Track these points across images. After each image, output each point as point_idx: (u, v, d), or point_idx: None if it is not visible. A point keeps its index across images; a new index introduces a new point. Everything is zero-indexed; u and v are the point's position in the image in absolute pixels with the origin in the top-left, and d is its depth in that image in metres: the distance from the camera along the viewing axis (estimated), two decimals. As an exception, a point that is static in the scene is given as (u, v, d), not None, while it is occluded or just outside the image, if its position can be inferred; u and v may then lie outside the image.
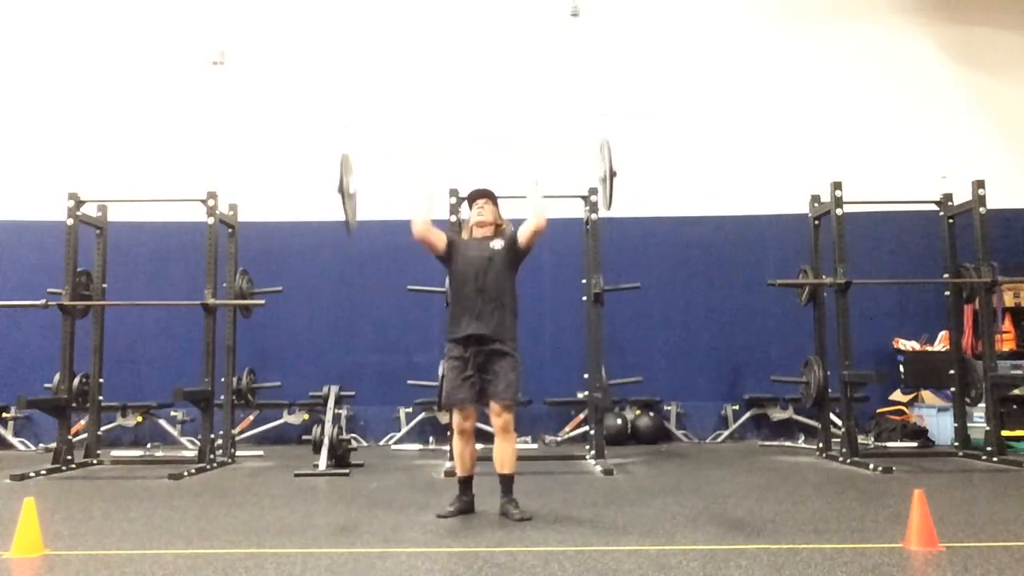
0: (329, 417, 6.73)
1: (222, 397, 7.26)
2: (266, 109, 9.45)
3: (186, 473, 6.22)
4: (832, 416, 7.52)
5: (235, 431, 7.78)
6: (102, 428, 7.78)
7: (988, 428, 6.70)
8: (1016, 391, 7.40)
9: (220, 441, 7.20)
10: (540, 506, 4.64)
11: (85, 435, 7.33)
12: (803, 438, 8.49)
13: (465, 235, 4.82)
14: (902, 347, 8.88)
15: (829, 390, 7.04)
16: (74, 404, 6.96)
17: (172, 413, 8.74)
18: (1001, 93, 9.55)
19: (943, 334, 8.55)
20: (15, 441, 8.74)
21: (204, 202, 6.96)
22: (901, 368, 8.70)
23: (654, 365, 8.90)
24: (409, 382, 8.22)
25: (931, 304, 8.65)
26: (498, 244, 4.59)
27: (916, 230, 8.93)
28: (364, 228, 9.10)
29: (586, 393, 7.15)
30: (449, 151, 8.83)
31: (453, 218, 6.67)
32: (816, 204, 7.32)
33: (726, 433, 8.86)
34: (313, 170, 8.23)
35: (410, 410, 8.77)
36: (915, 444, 7.85)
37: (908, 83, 9.50)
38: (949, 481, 5.73)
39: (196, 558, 3.49)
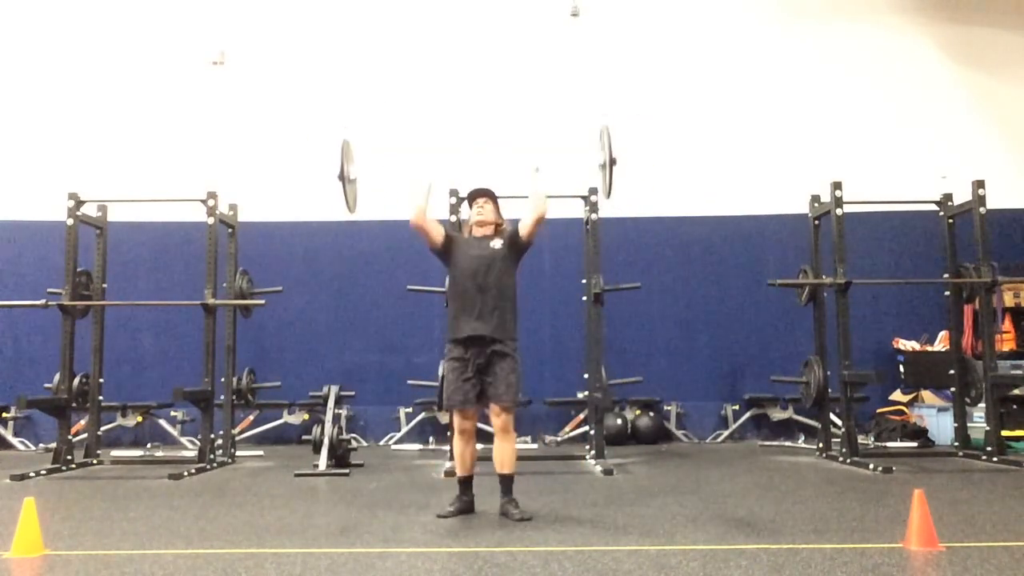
0: (329, 417, 6.73)
1: (222, 397, 7.26)
2: (266, 109, 9.45)
3: (186, 473, 6.22)
4: (832, 416, 7.52)
5: (235, 431, 7.78)
6: (102, 428, 7.77)
7: (988, 428, 6.70)
8: (1016, 391, 7.41)
9: (220, 441, 7.20)
10: (540, 506, 4.65)
11: (85, 435, 7.33)
12: (803, 438, 8.49)
13: (465, 234, 4.81)
14: (902, 347, 8.88)
15: (829, 390, 7.05)
16: (74, 404, 6.96)
17: (172, 413, 8.74)
18: (1001, 93, 9.55)
19: (943, 334, 8.55)
20: (15, 441, 8.74)
21: (204, 202, 6.96)
22: (901, 368, 8.70)
23: (654, 365, 8.90)
24: (409, 382, 8.22)
25: (931, 304, 8.65)
26: (498, 243, 4.59)
27: (916, 230, 8.94)
28: (364, 228, 9.22)
29: (586, 393, 7.15)
30: (449, 151, 8.81)
31: (453, 218, 6.66)
32: (816, 204, 7.32)
33: (726, 433, 8.86)
34: (313, 170, 8.22)
35: (410, 410, 8.77)
36: (915, 444, 7.84)
37: (908, 83, 9.50)
38: (949, 481, 5.73)
39: (196, 558, 3.49)
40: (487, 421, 4.68)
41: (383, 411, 8.90)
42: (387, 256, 9.18)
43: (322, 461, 6.38)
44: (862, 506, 4.66)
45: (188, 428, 8.68)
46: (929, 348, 8.78)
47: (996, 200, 7.14)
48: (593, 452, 6.84)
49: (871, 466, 6.20)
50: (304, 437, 7.24)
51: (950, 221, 7.25)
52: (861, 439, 7.41)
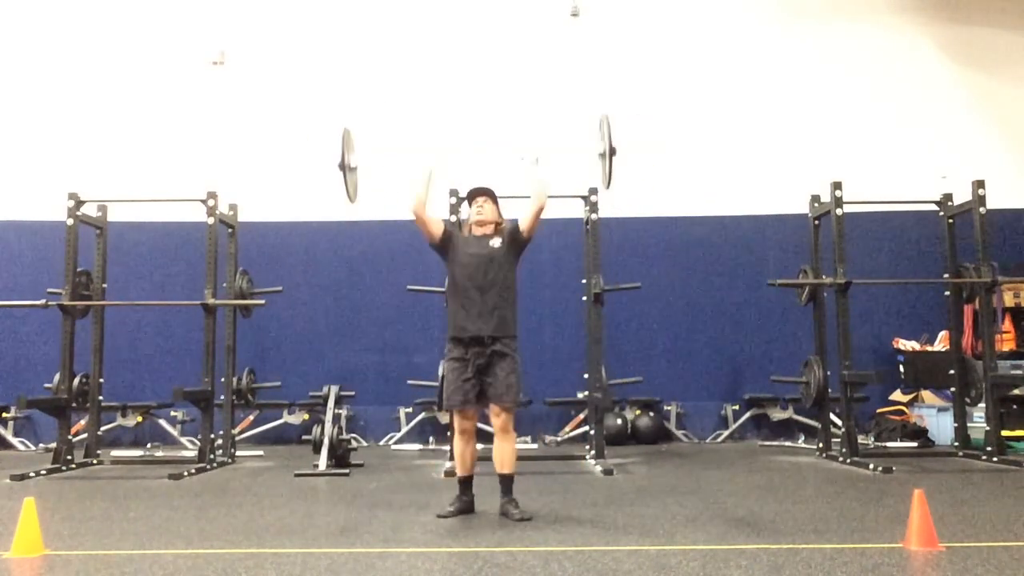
0: (329, 417, 6.73)
1: (222, 397, 7.26)
2: (266, 109, 9.45)
3: (186, 473, 6.22)
4: (832, 416, 7.52)
5: (235, 431, 7.78)
6: (102, 428, 7.78)
7: (988, 428, 6.70)
8: (1016, 391, 7.41)
9: (220, 441, 7.20)
10: (540, 506, 4.65)
11: (85, 435, 7.33)
12: (803, 438, 8.49)
13: (465, 233, 4.79)
14: (902, 347, 8.88)
15: (829, 390, 7.04)
16: (74, 404, 6.96)
17: (172, 413, 8.74)
18: (1001, 93, 9.55)
19: (943, 334, 8.55)
20: (15, 441, 8.74)
21: (204, 202, 6.96)
22: (901, 368, 8.69)
23: (654, 365, 8.90)
24: (409, 382, 8.22)
25: (931, 304, 8.66)
26: (497, 242, 4.58)
27: (916, 230, 8.94)
28: (364, 228, 9.23)
29: (586, 393, 7.15)
30: (449, 151, 8.79)
31: (453, 218, 6.67)
32: (816, 204, 7.32)
33: (726, 433, 8.86)
34: (313, 170, 8.22)
35: (410, 410, 8.77)
36: (915, 444, 7.84)
37: (908, 83, 9.50)
38: (949, 481, 5.72)
39: (196, 558, 3.49)
40: (487, 421, 4.68)
41: (383, 411, 8.90)
42: (387, 256, 9.18)
43: (322, 461, 6.38)
44: (862, 506, 4.66)
45: (188, 428, 8.68)
46: (929, 348, 8.78)
47: (996, 200, 7.13)
48: (593, 452, 6.84)
49: (871, 466, 6.20)
50: (304, 437, 7.24)
51: (950, 221, 7.25)
52: (861, 439, 7.41)
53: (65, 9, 9.61)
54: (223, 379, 7.24)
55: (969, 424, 7.19)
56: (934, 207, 7.40)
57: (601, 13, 9.61)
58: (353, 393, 7.84)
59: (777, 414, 8.80)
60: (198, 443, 7.22)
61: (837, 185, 6.92)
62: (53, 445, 6.96)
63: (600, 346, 6.94)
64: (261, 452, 7.92)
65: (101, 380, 7.15)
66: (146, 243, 9.05)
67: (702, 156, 9.33)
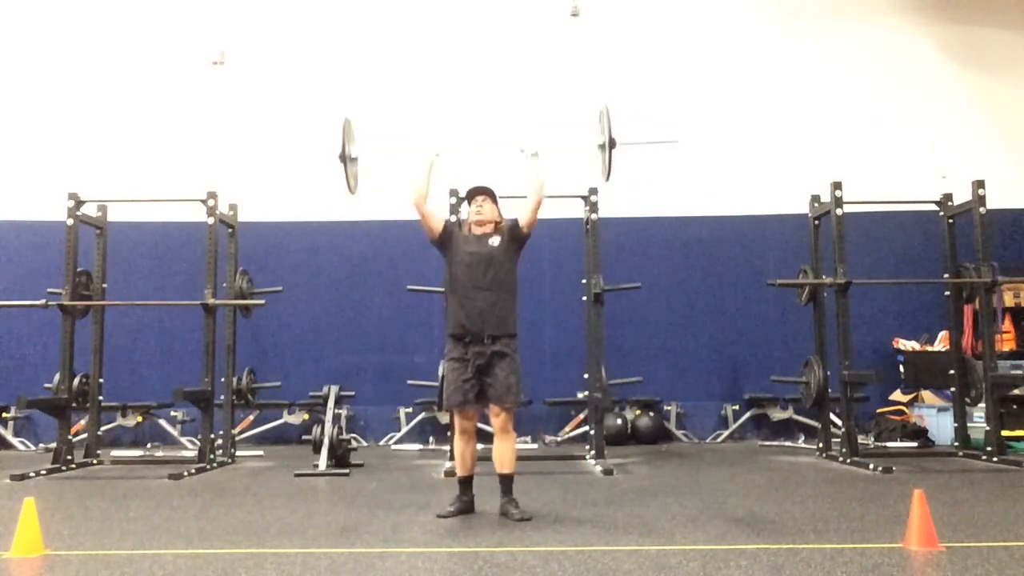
0: (329, 417, 6.73)
1: (222, 397, 7.26)
2: (266, 109, 9.45)
3: (186, 473, 6.22)
4: (832, 416, 7.52)
5: (235, 431, 7.78)
6: (102, 428, 7.78)
7: (988, 428, 6.70)
8: (1016, 391, 7.40)
9: (220, 441, 7.20)
10: (540, 506, 4.65)
11: (85, 435, 7.33)
12: (803, 438, 8.49)
13: (464, 232, 4.79)
14: (902, 347, 8.88)
15: (829, 390, 7.04)
16: (74, 404, 6.96)
17: (172, 413, 8.74)
18: (1001, 93, 9.55)
19: (943, 334, 8.55)
20: (15, 441, 8.74)
21: (204, 202, 6.96)
22: (901, 368, 8.69)
23: (654, 365, 8.90)
24: (409, 382, 8.22)
25: (931, 304, 8.65)
26: (496, 240, 4.57)
27: (916, 230, 8.94)
28: (364, 228, 9.23)
29: (586, 393, 7.15)
30: (449, 151, 8.80)
31: (453, 218, 6.66)
32: (816, 204, 7.32)
33: (726, 433, 8.86)
34: (313, 170, 8.22)
35: (410, 410, 8.77)
36: (915, 444, 7.84)
37: (908, 83, 9.50)
38: (949, 481, 5.72)
39: (196, 558, 3.49)
40: (487, 421, 4.68)
41: (383, 411, 8.90)
42: (387, 256, 9.18)
43: (322, 461, 6.38)
44: (862, 506, 4.66)
45: (188, 428, 8.68)
46: (929, 348, 8.78)
47: (996, 200, 7.14)
48: (593, 452, 6.84)
49: (871, 466, 6.20)
50: (304, 437, 7.24)
51: (950, 221, 7.25)
52: (861, 439, 7.41)
53: (65, 9, 9.61)
54: (223, 379, 7.24)
55: (969, 424, 7.19)
56: (934, 207, 7.40)
57: (601, 13, 9.61)
58: (353, 393, 7.84)
59: (777, 414, 8.80)
60: (198, 443, 7.22)
61: (837, 185, 6.92)
62: (53, 445, 6.96)
63: (600, 346, 6.94)
64: (261, 452, 7.92)
65: (101, 380, 7.15)
66: (146, 243, 9.05)
67: (702, 156, 9.31)
